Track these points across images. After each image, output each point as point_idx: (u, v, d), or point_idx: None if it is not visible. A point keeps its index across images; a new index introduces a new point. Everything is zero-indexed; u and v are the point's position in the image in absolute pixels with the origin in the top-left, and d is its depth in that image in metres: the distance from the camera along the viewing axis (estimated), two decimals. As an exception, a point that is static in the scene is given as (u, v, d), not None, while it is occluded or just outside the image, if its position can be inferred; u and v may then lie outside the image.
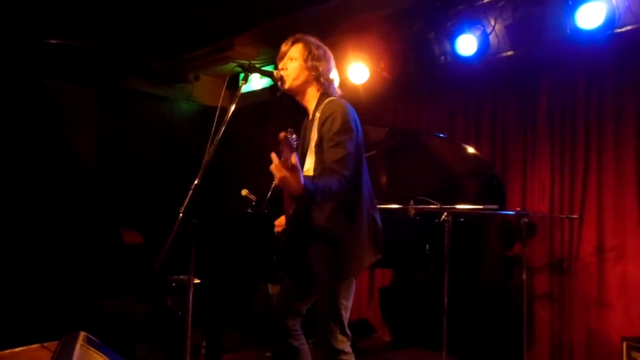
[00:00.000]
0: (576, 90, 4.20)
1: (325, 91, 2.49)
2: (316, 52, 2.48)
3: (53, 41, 5.17)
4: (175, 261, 2.35)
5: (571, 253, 4.12)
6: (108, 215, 5.74)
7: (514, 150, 4.54)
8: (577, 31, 3.83)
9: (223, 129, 2.24)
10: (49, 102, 5.68)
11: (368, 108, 5.10)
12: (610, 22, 3.73)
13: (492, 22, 4.29)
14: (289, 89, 2.49)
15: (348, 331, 2.39)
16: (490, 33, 4.29)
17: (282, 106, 5.61)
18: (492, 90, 4.69)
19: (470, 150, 4.05)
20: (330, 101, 2.42)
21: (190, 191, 2.14)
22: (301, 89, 2.49)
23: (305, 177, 2.36)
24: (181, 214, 2.11)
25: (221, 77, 6.72)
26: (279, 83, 2.50)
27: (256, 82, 6.31)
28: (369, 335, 5.16)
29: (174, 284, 3.74)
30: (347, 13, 4.66)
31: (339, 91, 2.56)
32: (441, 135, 4.65)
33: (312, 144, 2.40)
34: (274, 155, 2.08)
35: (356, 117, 2.41)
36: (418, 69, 4.72)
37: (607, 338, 3.86)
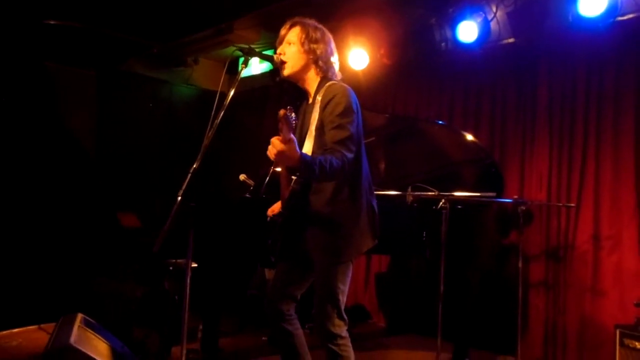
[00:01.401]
0: (576, 79, 4.18)
1: (325, 75, 2.47)
2: (314, 34, 2.45)
3: (52, 22, 5.13)
4: (173, 244, 2.36)
5: (567, 241, 4.14)
6: (106, 198, 5.75)
7: (512, 138, 4.54)
8: (579, 19, 3.81)
9: (222, 113, 2.23)
10: (48, 84, 5.66)
11: (367, 94, 5.08)
12: (613, 10, 3.72)
13: (494, 9, 4.27)
14: (289, 76, 2.47)
15: (345, 316, 2.40)
16: (492, 20, 4.27)
17: (282, 91, 5.60)
18: (492, 77, 4.68)
19: (469, 137, 4.05)
20: (331, 84, 2.41)
21: (189, 175, 2.14)
22: (301, 74, 2.47)
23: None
24: (180, 198, 2.11)
25: (220, 61, 6.69)
26: (280, 68, 2.48)
27: (256, 67, 6.29)
28: (364, 321, 5.19)
29: (171, 268, 3.75)
30: (348, -2, 4.63)
31: (339, 74, 2.54)
32: (440, 122, 4.64)
33: (312, 127, 2.38)
34: (273, 139, 2.07)
35: (357, 101, 2.40)
36: (418, 55, 4.71)
37: (600, 326, 3.89)
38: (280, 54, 2.46)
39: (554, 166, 4.26)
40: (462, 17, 4.31)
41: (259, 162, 6.01)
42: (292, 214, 2.43)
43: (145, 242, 4.10)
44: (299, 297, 2.59)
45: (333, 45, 2.52)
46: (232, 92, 2.30)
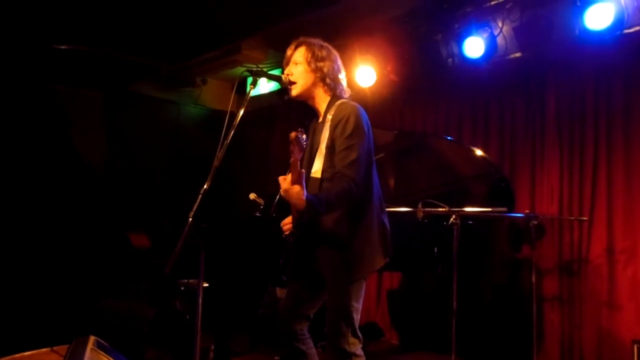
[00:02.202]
0: (585, 92, 4.18)
1: (334, 92, 2.48)
2: (319, 53, 2.46)
3: (62, 47, 5.20)
4: (184, 265, 2.35)
5: (581, 255, 4.10)
6: (116, 219, 5.77)
7: (522, 152, 4.52)
8: (586, 32, 3.81)
9: (232, 133, 2.23)
10: (58, 107, 5.72)
11: (375, 111, 5.08)
12: (619, 23, 3.71)
13: (500, 24, 4.28)
14: (298, 95, 2.48)
15: (359, 334, 2.38)
16: (498, 35, 4.28)
17: (289, 109, 5.63)
18: (500, 92, 4.68)
19: (478, 152, 4.04)
20: (342, 103, 2.42)
21: (200, 196, 2.14)
22: (309, 93, 2.48)
23: (313, 180, 2.36)
24: (190, 219, 2.11)
25: (228, 81, 6.75)
26: (288, 90, 2.49)
27: (263, 86, 6.32)
28: (377, 339, 5.14)
29: (182, 288, 3.75)
30: (353, 16, 4.67)
31: (348, 91, 2.54)
32: (449, 137, 4.64)
33: (323, 145, 2.37)
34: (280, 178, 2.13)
35: (367, 119, 2.41)
36: (425, 71, 4.71)
37: (617, 341, 3.83)
38: (288, 74, 2.47)
39: (564, 179, 4.23)
40: (468, 33, 4.32)
41: (268, 181, 6.03)
42: (303, 233, 2.41)
43: (155, 262, 4.11)
44: (311, 316, 2.57)
45: (340, 62, 2.53)
46: (241, 112, 2.31)
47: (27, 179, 5.32)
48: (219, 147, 2.22)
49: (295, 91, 2.46)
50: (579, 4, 3.79)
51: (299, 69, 2.45)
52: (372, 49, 4.87)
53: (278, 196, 3.76)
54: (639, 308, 3.77)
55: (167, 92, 6.53)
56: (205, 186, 2.17)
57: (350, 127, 2.31)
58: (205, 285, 3.06)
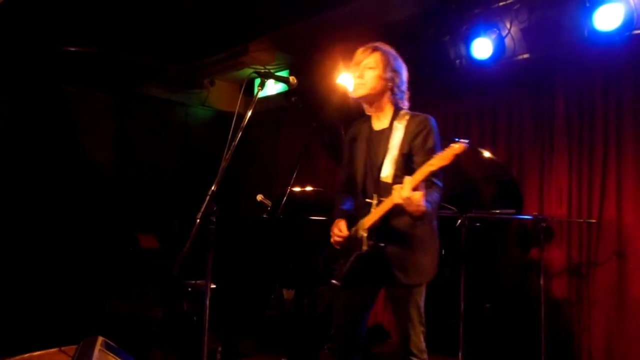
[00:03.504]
0: (594, 93, 4.15)
1: (397, 102, 2.54)
2: (394, 63, 2.53)
3: (71, 49, 5.23)
4: (192, 266, 2.36)
5: (590, 257, 4.07)
6: (124, 220, 5.80)
7: (530, 154, 4.50)
8: (595, 33, 3.79)
9: (240, 134, 2.24)
10: (67, 108, 5.76)
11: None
12: (629, 24, 3.69)
13: (508, 25, 4.27)
14: (363, 98, 2.53)
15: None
16: (506, 36, 4.26)
17: (297, 111, 5.63)
18: (508, 93, 4.66)
19: (487, 154, 4.02)
20: (415, 114, 2.50)
21: (207, 197, 2.15)
22: (375, 98, 2.53)
23: (383, 184, 2.42)
24: (198, 220, 2.11)
25: (236, 83, 6.77)
26: (350, 90, 2.55)
27: (271, 87, 6.33)
28: (383, 341, 5.12)
29: (190, 289, 3.76)
30: (361, 18, 4.66)
31: (407, 102, 2.59)
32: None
33: (395, 151, 2.43)
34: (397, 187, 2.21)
35: None
36: (433, 73, 4.70)
37: (628, 344, 3.79)
38: (358, 77, 2.51)
39: (573, 181, 4.21)
40: (476, 34, 4.31)
41: (275, 182, 6.04)
42: (377, 239, 2.43)
43: (163, 263, 4.12)
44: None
45: (406, 74, 2.59)
46: (249, 114, 2.31)
47: (36, 180, 5.36)
48: (226, 148, 2.23)
49: (361, 91, 2.51)
50: (588, 4, 3.77)
51: (371, 73, 2.49)
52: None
53: (285, 198, 3.76)
54: (649, 311, 3.74)
55: (175, 93, 6.56)
56: (213, 187, 2.18)
57: (432, 139, 2.43)
58: (213, 286, 3.07)
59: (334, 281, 2.54)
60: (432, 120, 2.48)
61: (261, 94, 2.42)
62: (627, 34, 3.73)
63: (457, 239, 3.41)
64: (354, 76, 2.54)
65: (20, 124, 5.32)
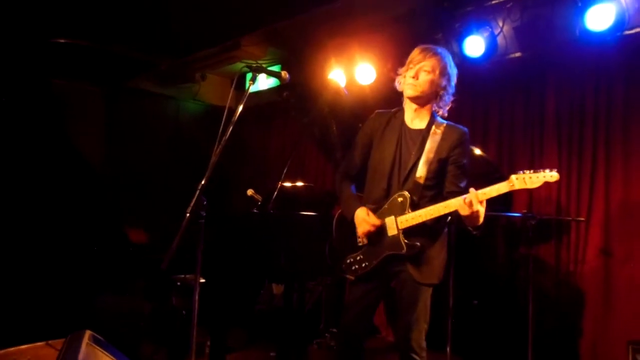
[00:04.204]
0: (584, 92, 4.18)
1: (440, 108, 2.58)
2: (450, 71, 2.56)
3: (60, 40, 5.19)
4: (181, 261, 2.35)
5: (577, 255, 4.10)
6: (113, 214, 5.76)
7: (520, 152, 4.52)
8: (586, 33, 3.81)
9: (230, 129, 2.24)
10: (56, 101, 5.71)
11: (375, 109, 5.07)
12: (620, 24, 3.71)
13: (500, 24, 4.28)
14: (412, 98, 2.54)
15: None
16: (499, 34, 4.27)
17: (288, 106, 5.61)
18: (500, 91, 4.67)
19: (477, 151, 4.03)
20: (455, 125, 2.55)
21: (197, 191, 2.14)
22: (422, 101, 2.55)
23: (416, 184, 2.47)
24: (188, 214, 2.11)
25: (227, 77, 6.74)
26: (401, 88, 2.58)
27: (262, 82, 6.31)
28: (373, 336, 5.14)
29: (179, 283, 3.75)
30: (354, 14, 4.65)
31: (446, 110, 2.61)
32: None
33: (431, 155, 2.47)
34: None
35: None
36: (425, 69, 4.69)
37: (612, 341, 3.83)
38: (413, 77, 2.51)
39: (562, 180, 4.23)
40: (468, 32, 4.32)
41: (266, 177, 6.03)
42: (413, 239, 2.45)
43: (152, 258, 4.09)
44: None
45: (455, 82, 2.62)
46: (240, 109, 2.31)
47: (24, 174, 5.31)
48: (217, 142, 2.22)
49: (413, 92, 2.52)
50: (580, 4, 3.79)
51: (427, 77, 2.51)
52: (372, 47, 4.86)
53: (275, 193, 3.76)
54: (635, 309, 3.78)
55: (166, 87, 6.52)
56: (203, 182, 2.17)
57: (466, 152, 2.52)
58: (202, 280, 3.06)
59: (348, 276, 2.54)
60: (467, 133, 2.55)
61: (252, 89, 2.41)
62: (618, 34, 3.75)
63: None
64: (407, 74, 2.54)
65: (7, 117, 5.27)
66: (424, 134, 2.52)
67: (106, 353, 2.91)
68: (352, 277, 2.54)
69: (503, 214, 3.76)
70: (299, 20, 4.73)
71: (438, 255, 2.51)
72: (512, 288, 4.31)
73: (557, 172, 2.24)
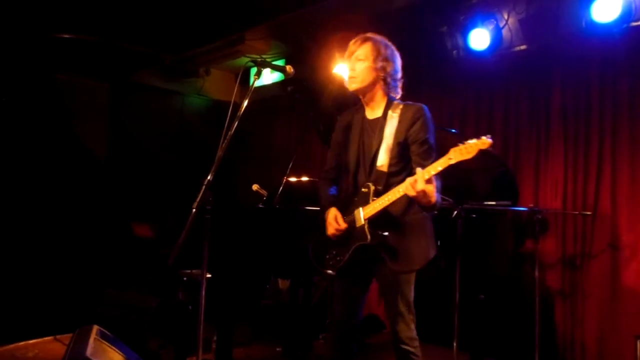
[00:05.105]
0: (590, 84, 4.15)
1: (391, 92, 2.53)
2: (384, 52, 2.50)
3: (65, 36, 5.19)
4: (187, 255, 2.35)
5: (584, 250, 4.08)
6: (119, 209, 5.78)
7: (526, 146, 4.50)
8: (593, 24, 3.79)
9: (236, 124, 2.23)
10: (60, 96, 5.72)
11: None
12: (627, 16, 3.69)
13: (506, 16, 4.26)
14: (357, 91, 2.52)
15: None
16: (504, 27, 4.25)
17: (293, 101, 5.61)
18: (505, 84, 4.65)
19: (482, 145, 4.01)
20: (410, 105, 2.49)
21: (203, 187, 2.14)
22: (368, 89, 2.52)
23: (379, 173, 2.43)
24: (194, 210, 2.11)
25: (232, 71, 6.74)
26: (347, 83, 2.53)
27: (267, 77, 6.30)
28: (379, 331, 5.14)
29: (185, 278, 3.76)
30: (358, 7, 4.64)
31: (400, 90, 2.58)
32: (452, 130, 4.61)
33: (391, 141, 2.44)
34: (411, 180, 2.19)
35: None
36: (430, 63, 4.69)
37: (620, 336, 3.82)
38: (351, 69, 2.50)
39: (569, 173, 4.21)
40: (473, 25, 4.30)
41: (271, 172, 6.03)
42: (378, 229, 2.42)
43: (159, 253, 4.11)
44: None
45: (399, 61, 2.57)
46: (245, 103, 2.30)
47: (31, 169, 5.33)
48: (222, 137, 2.22)
49: (354, 85, 2.50)
50: (586, -4, 3.77)
51: (362, 65, 2.48)
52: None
53: (281, 187, 3.76)
54: (642, 303, 3.76)
55: (170, 82, 6.52)
56: (209, 177, 2.17)
57: (426, 128, 2.43)
58: (208, 275, 3.07)
59: (329, 271, 2.55)
60: (427, 110, 2.47)
61: (257, 83, 2.41)
62: (625, 25, 3.72)
63: (453, 230, 3.41)
64: (348, 68, 2.53)
65: (13, 112, 5.28)
66: (381, 121, 2.49)
67: (113, 348, 2.93)
68: (333, 272, 2.55)
69: (509, 208, 3.75)
70: (303, 14, 4.71)
71: (417, 245, 2.44)
72: (519, 283, 4.31)
73: (491, 138, 2.12)
